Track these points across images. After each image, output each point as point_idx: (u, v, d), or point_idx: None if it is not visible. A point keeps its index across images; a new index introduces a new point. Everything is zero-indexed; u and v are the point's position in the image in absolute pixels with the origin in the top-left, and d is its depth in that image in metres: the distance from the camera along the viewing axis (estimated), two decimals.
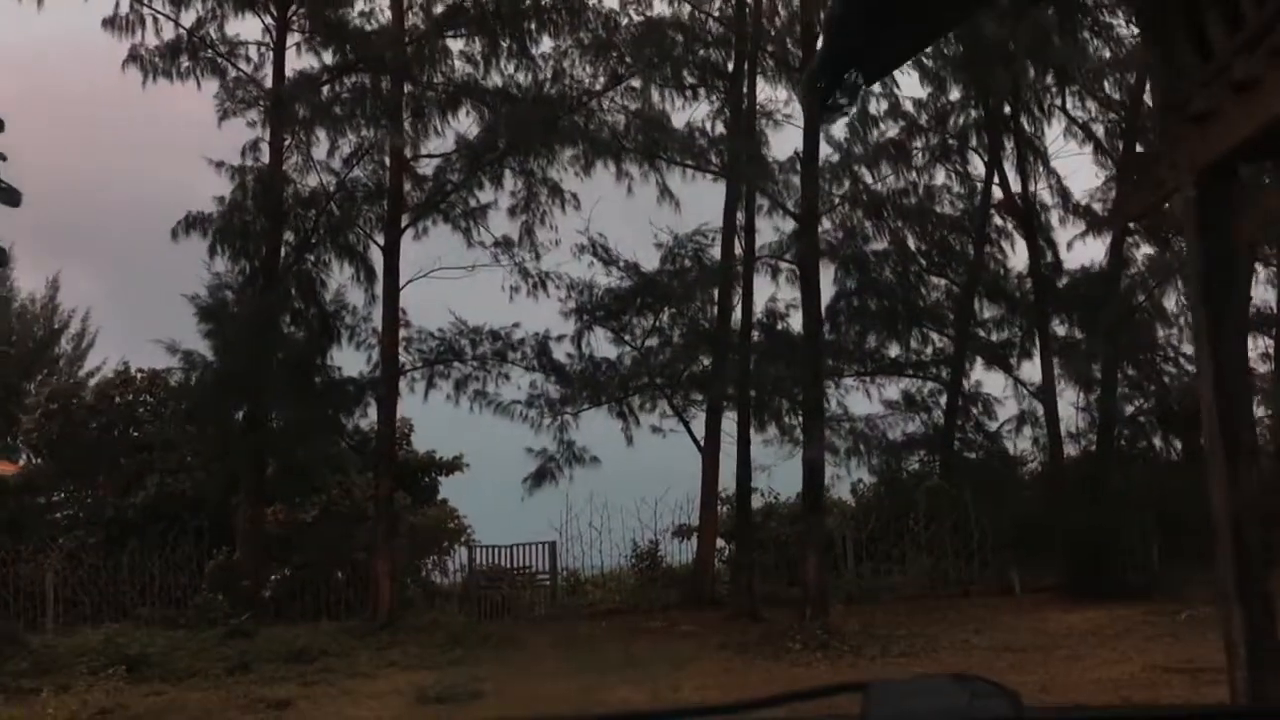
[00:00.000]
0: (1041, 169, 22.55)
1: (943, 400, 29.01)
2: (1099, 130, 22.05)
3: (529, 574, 25.83)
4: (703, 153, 18.24)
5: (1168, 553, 21.76)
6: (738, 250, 22.87)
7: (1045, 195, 23.72)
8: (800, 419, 19.50)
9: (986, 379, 26.14)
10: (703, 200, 33.33)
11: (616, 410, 22.54)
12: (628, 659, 15.08)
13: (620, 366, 23.03)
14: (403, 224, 19.91)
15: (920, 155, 28.11)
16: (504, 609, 24.47)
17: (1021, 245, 23.42)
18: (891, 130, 28.15)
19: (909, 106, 27.99)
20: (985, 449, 29.17)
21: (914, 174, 28.72)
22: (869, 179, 28.87)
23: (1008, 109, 22.30)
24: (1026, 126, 21.80)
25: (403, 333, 20.79)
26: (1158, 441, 24.99)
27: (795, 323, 22.86)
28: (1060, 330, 22.20)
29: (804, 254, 17.14)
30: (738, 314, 22.93)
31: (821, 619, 15.92)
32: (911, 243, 27.61)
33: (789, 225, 20.42)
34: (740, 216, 22.59)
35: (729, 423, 24.19)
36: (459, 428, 35.90)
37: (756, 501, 25.47)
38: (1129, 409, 20.96)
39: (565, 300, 22.46)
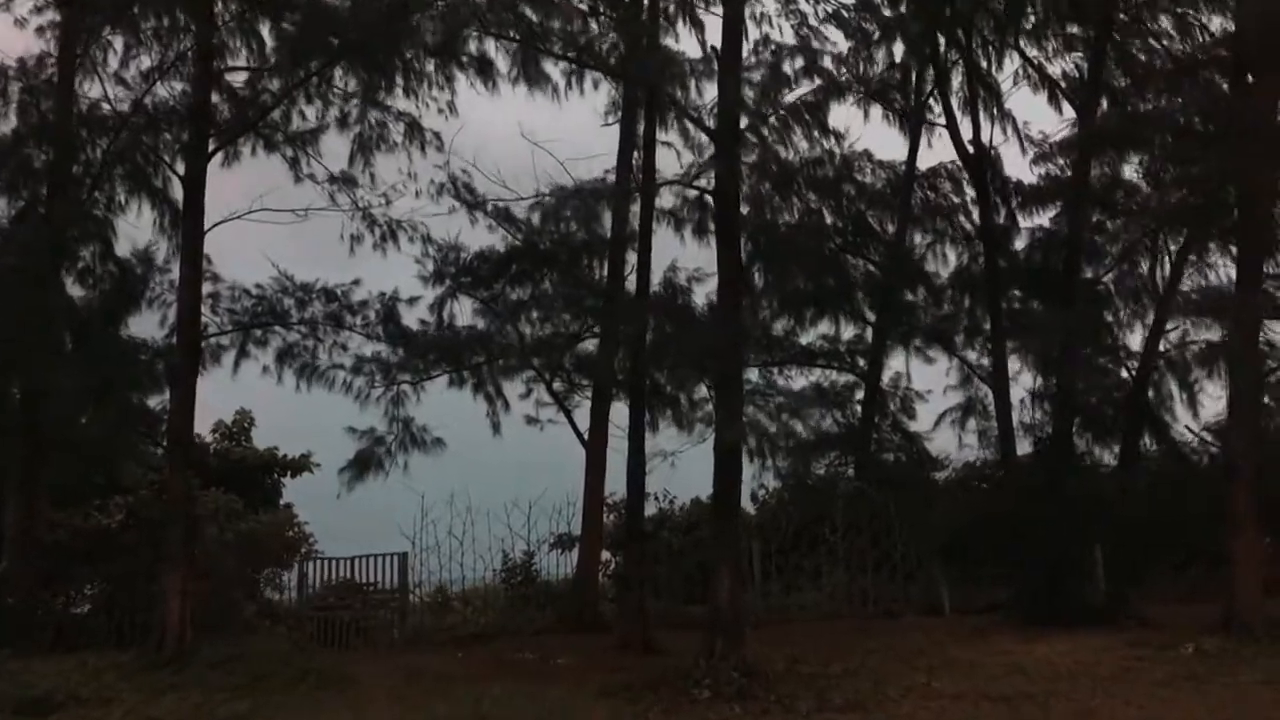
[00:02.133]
0: (995, 110, 19.40)
1: (860, 394, 25.90)
2: (1056, 71, 19.00)
3: (378, 591, 21.58)
4: (590, 46, 14.52)
5: (1115, 567, 18.73)
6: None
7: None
8: (712, 397, 15.81)
9: (922, 371, 22.88)
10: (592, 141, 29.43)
11: (480, 389, 18.51)
12: (476, 713, 11.16)
13: (492, 341, 19.03)
14: (210, 149, 15.61)
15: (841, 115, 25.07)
16: (349, 633, 20.24)
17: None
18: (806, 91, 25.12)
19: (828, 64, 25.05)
20: (904, 450, 26.09)
21: (831, 139, 25.74)
22: (781, 149, 25.77)
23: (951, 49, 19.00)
24: (980, 61, 18.55)
25: (209, 288, 16.47)
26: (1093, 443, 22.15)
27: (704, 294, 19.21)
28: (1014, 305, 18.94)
29: (722, 180, 13.57)
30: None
31: (736, 654, 12.28)
32: (828, 217, 24.36)
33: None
34: (638, 161, 18.87)
35: (620, 412, 20.46)
36: (312, 423, 31.60)
37: (649, 507, 21.79)
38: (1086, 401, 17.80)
39: (423, 259, 18.38)
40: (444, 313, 19.42)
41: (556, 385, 20.74)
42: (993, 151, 19.30)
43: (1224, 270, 19.64)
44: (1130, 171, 18.06)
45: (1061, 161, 19.14)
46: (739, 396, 14.03)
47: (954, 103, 19.03)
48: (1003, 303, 18.21)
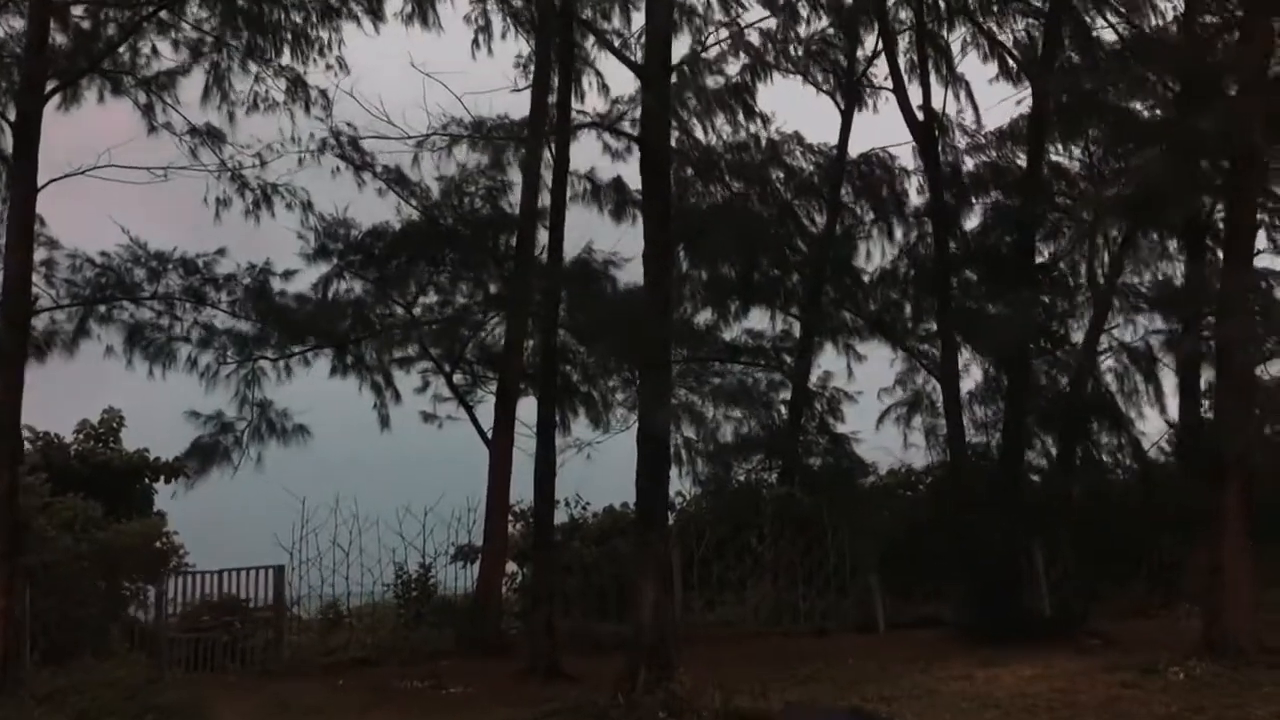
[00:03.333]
0: (945, 72, 17.74)
1: (786, 394, 24.19)
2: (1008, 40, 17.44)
3: (256, 609, 19.15)
4: None
5: (1070, 578, 17.27)
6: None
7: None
8: (634, 382, 13.90)
9: (867, 366, 21.18)
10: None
11: (365, 376, 16.30)
12: None
13: (378, 317, 16.83)
14: (46, 91, 13.20)
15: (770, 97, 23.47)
16: (220, 657, 17.85)
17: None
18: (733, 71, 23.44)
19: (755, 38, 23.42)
20: (830, 453, 24.47)
21: (758, 123, 24.10)
22: (700, 132, 24.06)
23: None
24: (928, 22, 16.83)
25: (42, 254, 14.05)
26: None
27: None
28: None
29: (651, 117, 11.65)
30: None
31: (663, 686, 10.36)
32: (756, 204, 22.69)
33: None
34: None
35: (529, 409, 18.50)
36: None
37: (559, 514, 19.78)
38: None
39: (305, 231, 16.14)
40: (329, 293, 17.25)
41: (457, 378, 18.64)
42: (945, 119, 17.73)
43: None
44: (1079, 153, 16.58)
45: (1009, 144, 17.58)
46: (667, 377, 12.15)
47: (901, 65, 17.36)
48: (952, 289, 16.61)
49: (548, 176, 16.00)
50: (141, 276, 14.48)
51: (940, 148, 16.97)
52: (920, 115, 16.68)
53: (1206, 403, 20.21)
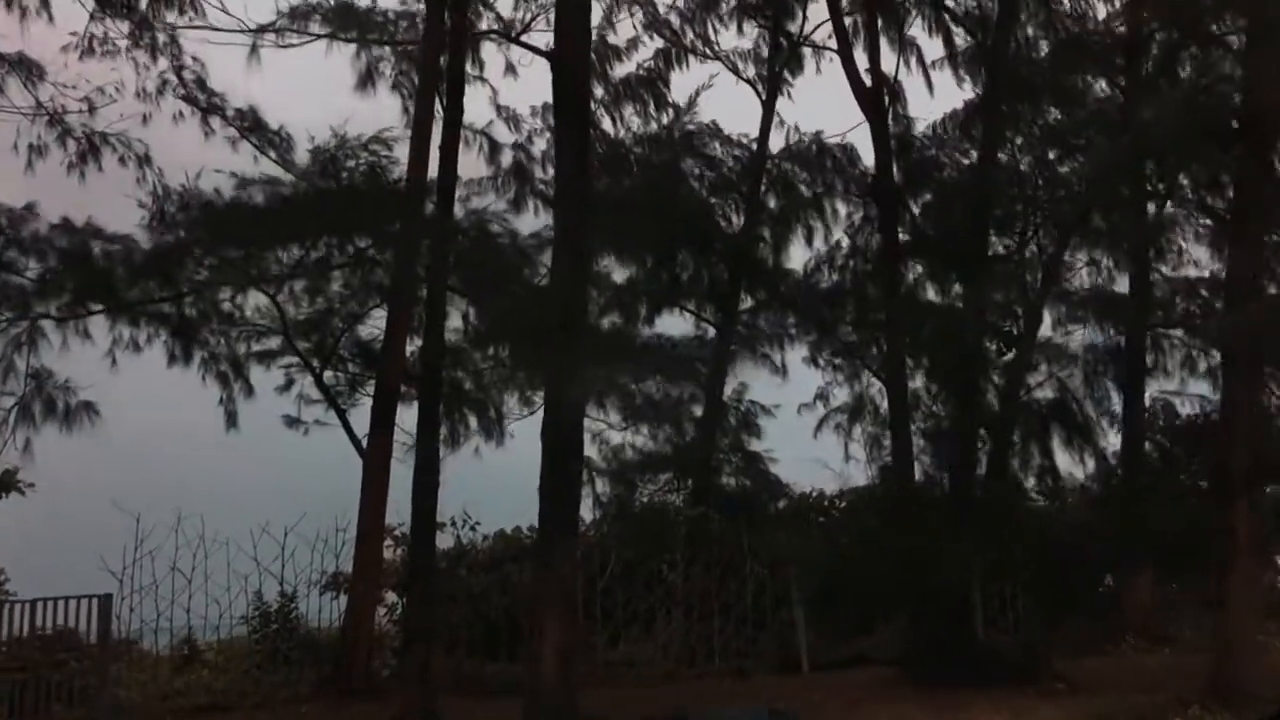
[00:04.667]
0: (895, 35, 15.86)
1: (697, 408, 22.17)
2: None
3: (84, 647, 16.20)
4: None
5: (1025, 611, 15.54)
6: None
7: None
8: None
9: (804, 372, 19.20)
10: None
11: (210, 365, 13.68)
12: None
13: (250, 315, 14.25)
14: None
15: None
16: (47, 700, 14.92)
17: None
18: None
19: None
20: (744, 472, 22.50)
21: (669, 113, 22.24)
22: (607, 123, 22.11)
23: None
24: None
25: None
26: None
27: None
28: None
29: (564, 35, 9.47)
30: None
31: None
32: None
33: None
34: None
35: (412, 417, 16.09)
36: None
37: (444, 538, 17.30)
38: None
39: (146, 196, 13.49)
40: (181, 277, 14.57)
41: (328, 377, 16.08)
42: (896, 84, 15.86)
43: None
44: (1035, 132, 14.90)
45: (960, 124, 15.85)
46: (580, 347, 9.98)
47: (846, 26, 15.47)
48: (901, 279, 14.70)
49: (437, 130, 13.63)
50: None
51: (890, 118, 15.14)
52: (868, 80, 14.83)
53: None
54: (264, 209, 14.51)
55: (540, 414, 10.98)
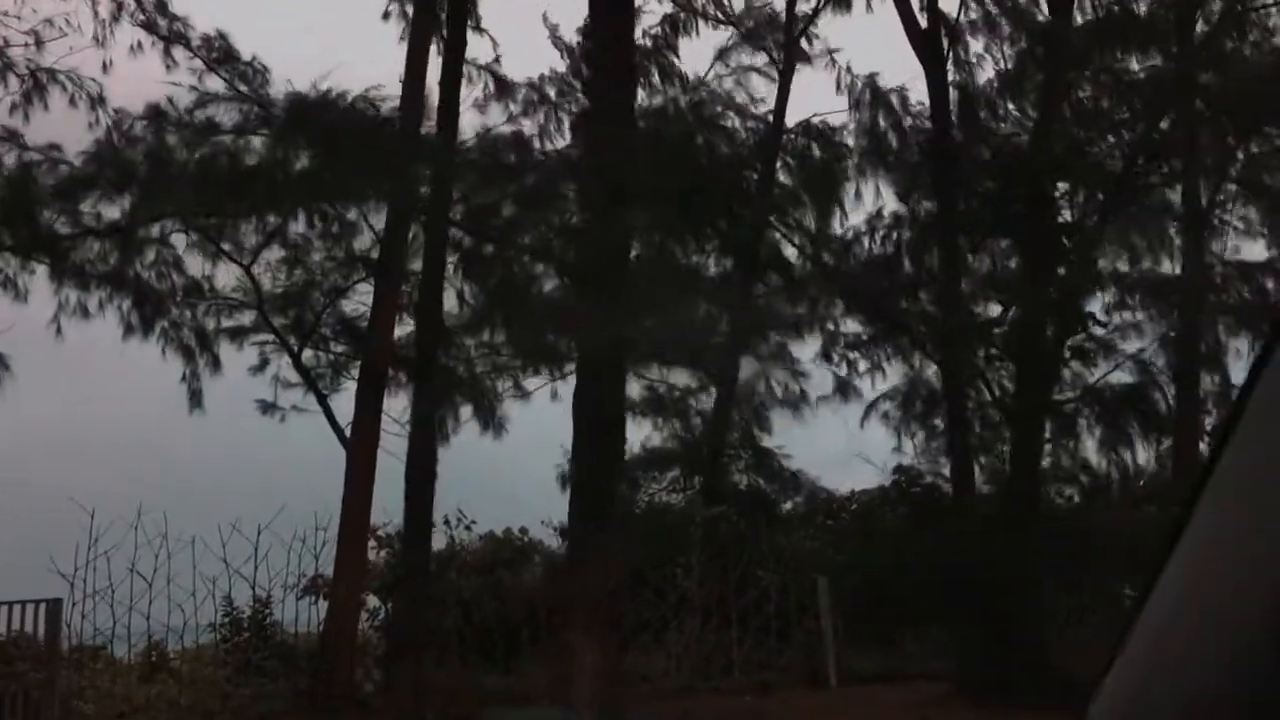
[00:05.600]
0: None
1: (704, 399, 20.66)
2: None
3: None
4: None
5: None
6: None
7: None
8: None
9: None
10: None
11: (172, 332, 12.06)
12: None
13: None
14: None
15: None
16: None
17: None
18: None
19: None
20: (754, 469, 21.01)
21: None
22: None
23: None
24: None
25: None
26: None
27: None
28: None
29: None
30: None
31: None
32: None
33: None
34: None
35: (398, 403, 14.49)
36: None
37: (438, 537, 15.67)
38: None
39: (95, 137, 11.86)
40: (137, 241, 12.95)
41: (308, 357, 14.47)
42: (958, 25, 14.02)
43: None
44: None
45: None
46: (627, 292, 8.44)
47: None
48: (958, 248, 13.00)
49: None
50: None
51: (950, 64, 13.45)
52: (923, 21, 13.19)
53: None
54: (247, 171, 12.86)
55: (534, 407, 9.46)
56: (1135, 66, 12.65)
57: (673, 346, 13.12)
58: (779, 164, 19.63)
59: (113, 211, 11.98)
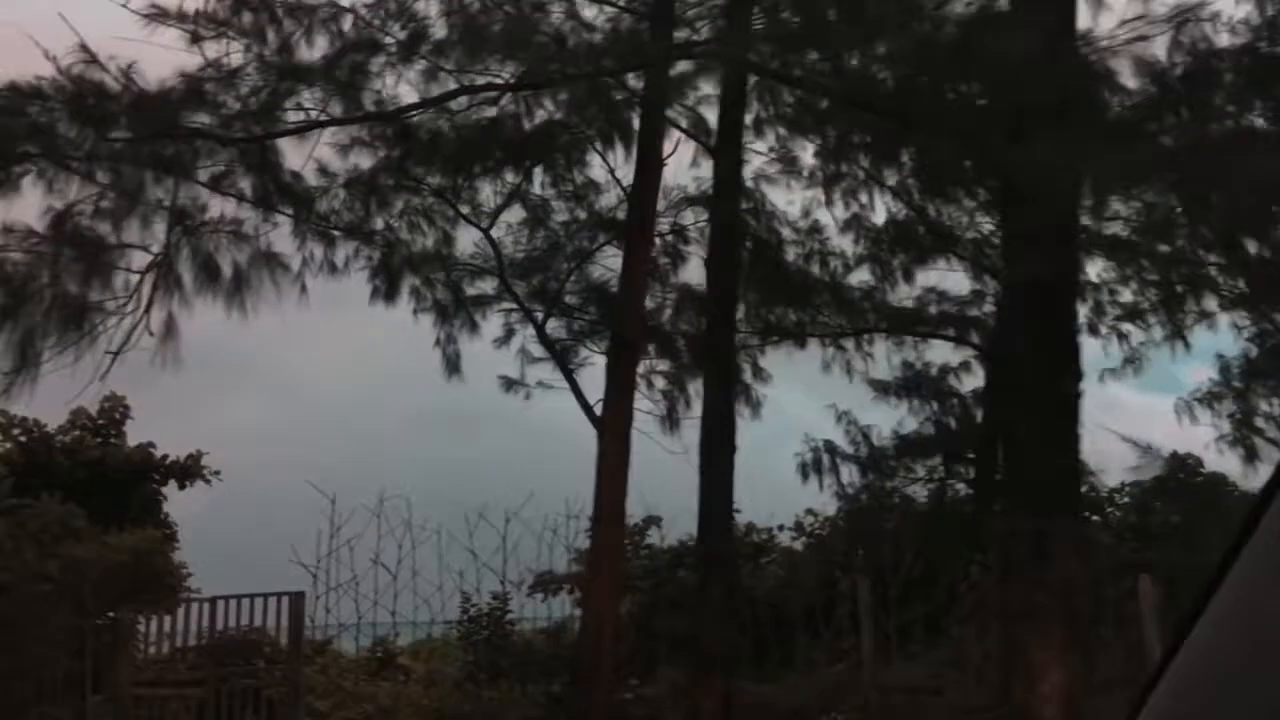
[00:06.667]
0: None
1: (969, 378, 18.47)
2: None
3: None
4: None
5: None
6: None
7: None
8: None
9: None
10: None
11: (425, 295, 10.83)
12: None
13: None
14: None
15: None
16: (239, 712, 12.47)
17: None
18: None
19: None
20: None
21: None
22: None
23: None
24: None
25: None
26: None
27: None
28: None
29: None
30: None
31: None
32: None
33: None
34: None
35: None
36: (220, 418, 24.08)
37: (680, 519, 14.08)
38: None
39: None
40: (369, 206, 11.83)
41: (552, 328, 13.08)
42: None
43: None
44: None
45: None
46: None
47: None
48: None
49: None
50: None
51: None
52: None
53: None
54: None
55: None
56: None
57: None
58: None
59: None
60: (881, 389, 18.12)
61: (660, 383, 14.04)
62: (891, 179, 15.69)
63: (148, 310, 9.14)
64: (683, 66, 10.33)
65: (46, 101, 8.26)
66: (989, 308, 17.49)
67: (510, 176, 12.94)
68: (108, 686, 12.90)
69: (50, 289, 8.90)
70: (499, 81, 9.95)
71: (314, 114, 9.61)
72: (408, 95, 10.63)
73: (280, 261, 9.98)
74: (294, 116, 9.58)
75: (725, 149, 10.93)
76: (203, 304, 9.66)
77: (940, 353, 18.23)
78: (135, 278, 9.11)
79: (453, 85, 10.23)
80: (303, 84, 9.36)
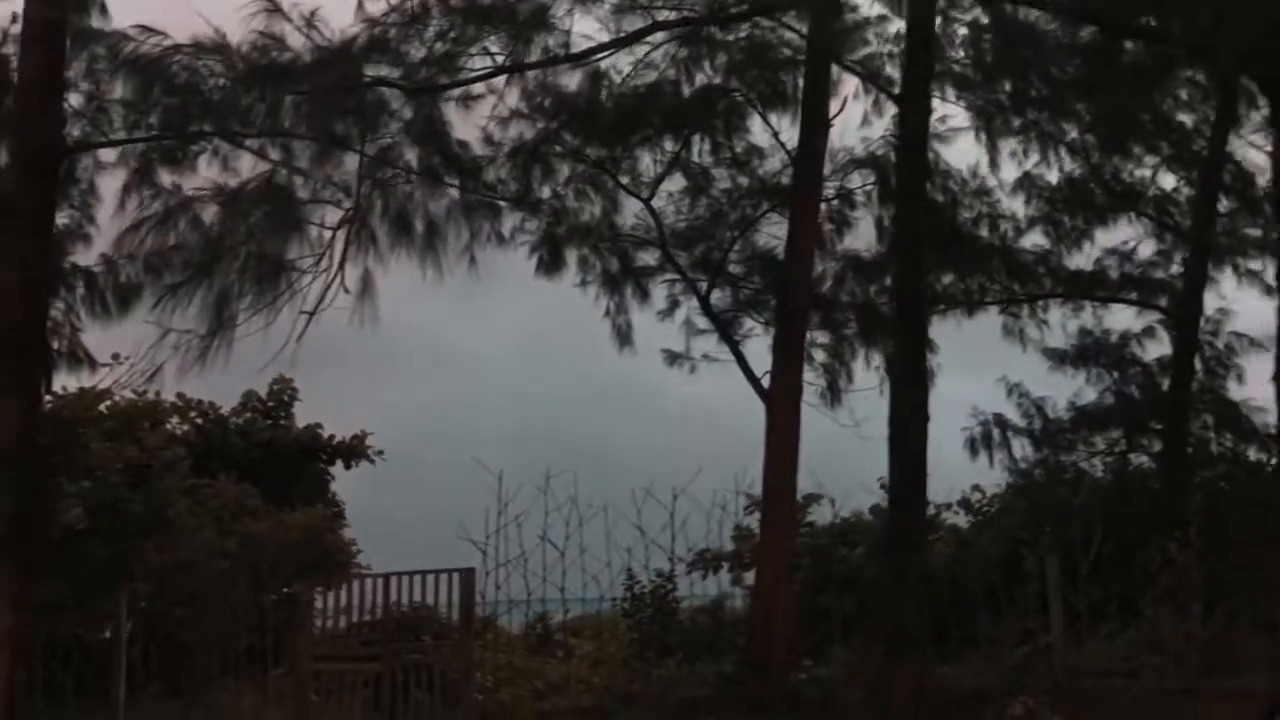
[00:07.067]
0: None
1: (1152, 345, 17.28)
2: None
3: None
4: None
5: None
6: None
7: None
8: None
9: None
10: None
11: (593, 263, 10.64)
12: None
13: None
14: None
15: None
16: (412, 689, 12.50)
17: None
18: None
19: None
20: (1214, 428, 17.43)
21: None
22: None
23: None
24: None
25: None
26: None
27: None
28: None
29: None
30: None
31: None
32: None
33: None
34: None
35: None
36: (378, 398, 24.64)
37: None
38: None
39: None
40: (530, 176, 11.69)
41: (716, 299, 12.72)
42: None
43: None
44: None
45: None
46: None
47: None
48: None
49: None
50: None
51: None
52: None
53: None
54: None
55: None
56: None
57: None
58: None
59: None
60: (1057, 358, 17.29)
61: (820, 355, 13.58)
62: (1071, 134, 14.91)
63: (341, 267, 9.21)
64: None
65: (229, 57, 8.29)
66: (1175, 269, 16.54)
67: (669, 145, 12.65)
68: (287, 660, 13.15)
69: (245, 245, 8.99)
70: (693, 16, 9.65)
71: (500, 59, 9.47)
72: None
73: (479, 210, 9.88)
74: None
75: (911, 99, 10.35)
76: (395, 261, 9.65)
77: (1122, 318, 17.30)
78: (327, 235, 9.19)
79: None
80: (488, 26, 9.19)
